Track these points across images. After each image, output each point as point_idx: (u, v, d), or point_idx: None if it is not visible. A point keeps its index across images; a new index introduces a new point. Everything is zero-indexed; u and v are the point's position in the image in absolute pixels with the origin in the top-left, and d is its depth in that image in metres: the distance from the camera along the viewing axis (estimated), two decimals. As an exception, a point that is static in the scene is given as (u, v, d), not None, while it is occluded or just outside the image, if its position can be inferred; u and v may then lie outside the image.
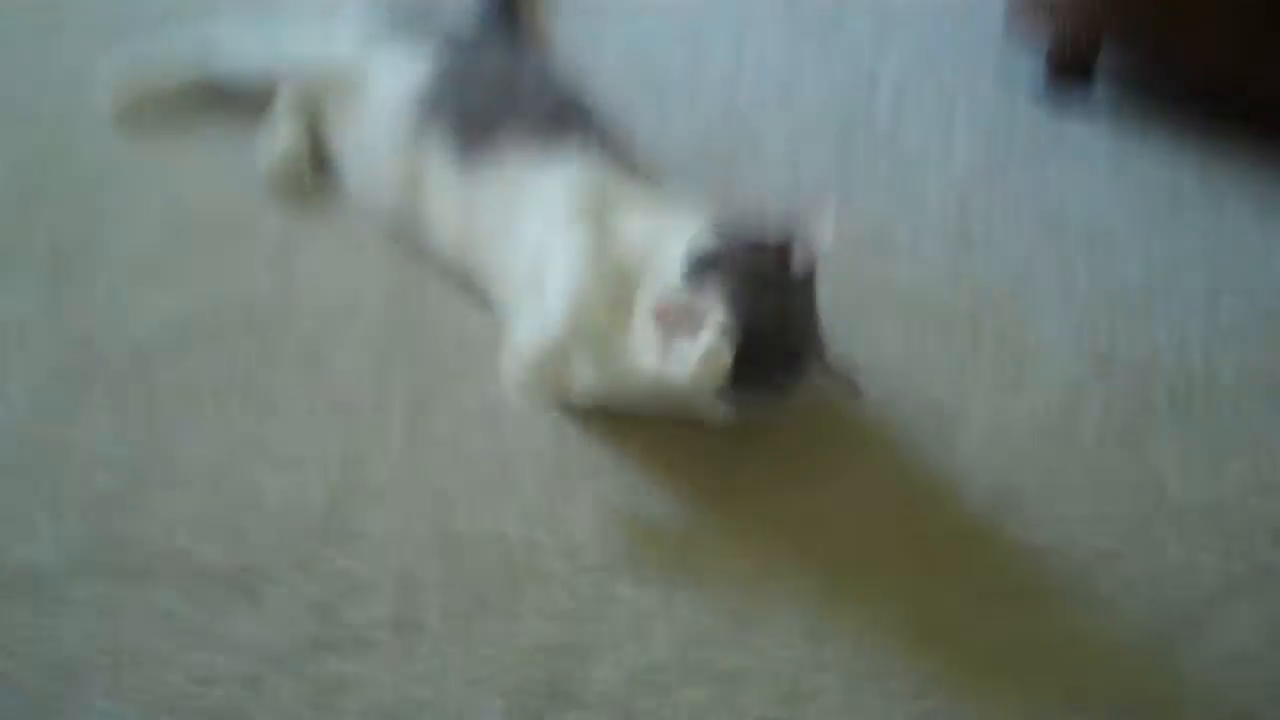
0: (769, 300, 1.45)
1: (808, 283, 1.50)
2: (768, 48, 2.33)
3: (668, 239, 1.51)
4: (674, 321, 1.42)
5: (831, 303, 1.54)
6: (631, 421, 1.55)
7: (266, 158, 1.80)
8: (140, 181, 1.77)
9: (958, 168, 2.12)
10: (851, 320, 1.68)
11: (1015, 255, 1.96)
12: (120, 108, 1.86)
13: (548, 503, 1.47)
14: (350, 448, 1.48)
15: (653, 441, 1.55)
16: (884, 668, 1.38)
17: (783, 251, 1.49)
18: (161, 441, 1.45)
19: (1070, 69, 2.33)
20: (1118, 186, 2.14)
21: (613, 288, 1.50)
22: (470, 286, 1.65)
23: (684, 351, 1.41)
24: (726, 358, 1.40)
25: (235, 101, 1.88)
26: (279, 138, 1.82)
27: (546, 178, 1.61)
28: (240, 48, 1.90)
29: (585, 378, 1.52)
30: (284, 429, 1.49)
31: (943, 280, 1.89)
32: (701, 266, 1.44)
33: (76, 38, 2.00)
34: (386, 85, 1.76)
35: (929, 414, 1.67)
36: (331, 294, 1.66)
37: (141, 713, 1.22)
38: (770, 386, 1.47)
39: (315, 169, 1.81)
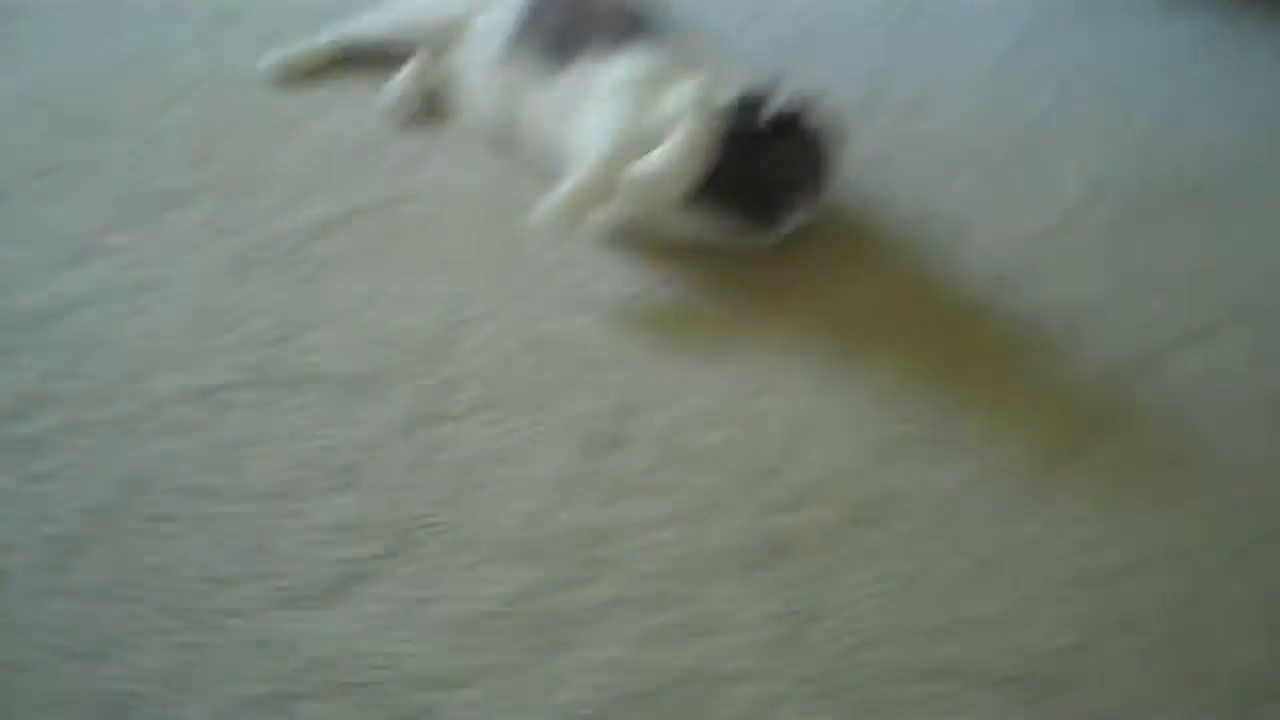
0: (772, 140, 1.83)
1: (811, 130, 1.85)
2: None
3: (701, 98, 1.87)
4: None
5: (869, 152, 1.92)
6: (681, 252, 1.89)
7: (391, 96, 2.20)
8: (296, 125, 2.17)
9: (999, 38, 2.40)
10: (886, 164, 2.00)
11: (1042, 105, 2.24)
12: (280, 73, 2.28)
13: (613, 313, 1.81)
14: (454, 290, 1.85)
15: (701, 262, 1.88)
16: (886, 400, 1.68)
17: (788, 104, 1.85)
18: (306, 298, 1.84)
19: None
20: (1151, 45, 2.39)
21: (643, 142, 1.86)
22: (553, 174, 2.01)
23: None
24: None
25: (371, 63, 2.28)
26: (401, 82, 2.22)
27: (609, 65, 1.97)
28: (375, 21, 2.33)
29: (617, 206, 1.87)
30: (403, 281, 1.86)
31: (971, 129, 2.18)
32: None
33: (249, 27, 2.44)
34: (490, 22, 2.15)
35: (947, 226, 1.95)
36: (444, 189, 2.04)
37: (287, 471, 1.59)
38: (780, 206, 1.84)
39: (432, 106, 2.20)
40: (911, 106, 2.21)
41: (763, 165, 1.81)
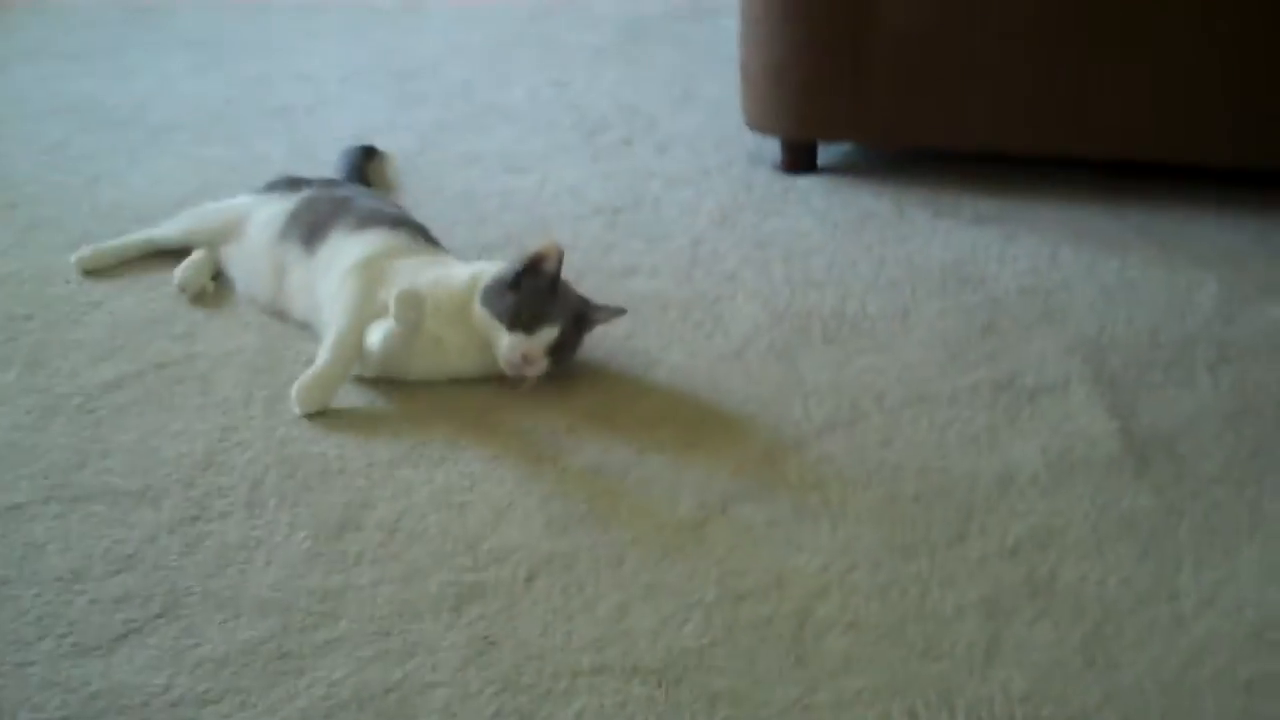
0: (551, 300, 2.27)
1: (557, 274, 2.29)
2: (568, 172, 3.15)
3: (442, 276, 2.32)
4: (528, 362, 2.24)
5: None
6: (418, 386, 2.32)
7: (181, 276, 2.62)
8: (97, 305, 2.58)
9: (701, 221, 2.90)
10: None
11: (729, 267, 2.72)
12: (87, 265, 2.69)
13: (357, 430, 2.21)
14: (224, 424, 2.24)
15: (433, 392, 2.30)
16: (569, 490, 2.09)
17: (537, 262, 2.29)
18: (100, 436, 2.21)
19: (798, 155, 3.13)
20: (822, 219, 2.91)
21: (376, 313, 2.29)
22: (315, 332, 2.42)
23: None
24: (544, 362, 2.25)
25: (165, 258, 2.70)
26: (189, 265, 2.64)
27: (353, 243, 2.42)
28: (170, 225, 2.75)
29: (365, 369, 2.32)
30: (181, 419, 2.25)
31: (671, 289, 2.64)
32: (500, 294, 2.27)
33: (62, 234, 2.86)
34: (264, 217, 2.59)
35: (642, 355, 2.40)
36: (221, 349, 2.44)
37: (79, 561, 1.94)
38: (569, 345, 2.30)
39: (215, 286, 2.63)
40: (622, 274, 2.67)
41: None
